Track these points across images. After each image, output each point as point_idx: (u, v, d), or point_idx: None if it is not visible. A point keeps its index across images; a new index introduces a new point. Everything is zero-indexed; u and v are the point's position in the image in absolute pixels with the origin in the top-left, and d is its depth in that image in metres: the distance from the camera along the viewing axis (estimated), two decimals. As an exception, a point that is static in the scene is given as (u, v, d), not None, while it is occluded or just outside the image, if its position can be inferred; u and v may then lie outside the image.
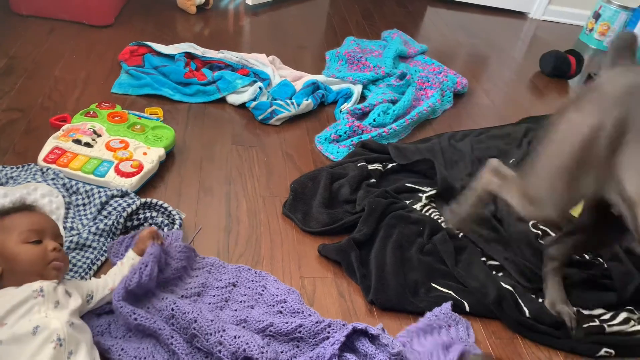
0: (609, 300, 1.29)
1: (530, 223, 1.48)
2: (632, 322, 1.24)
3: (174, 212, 1.28)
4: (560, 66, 2.53)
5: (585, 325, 1.21)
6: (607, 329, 1.21)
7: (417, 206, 1.49)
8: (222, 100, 1.87)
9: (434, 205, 1.52)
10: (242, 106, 1.85)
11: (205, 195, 1.44)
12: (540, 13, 3.36)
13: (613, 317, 1.24)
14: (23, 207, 1.01)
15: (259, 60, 2.08)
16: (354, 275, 1.26)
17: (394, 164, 1.64)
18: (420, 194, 1.54)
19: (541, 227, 1.48)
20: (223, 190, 1.47)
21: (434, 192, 1.54)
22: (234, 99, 1.86)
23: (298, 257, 1.30)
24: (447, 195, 1.53)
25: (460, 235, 1.41)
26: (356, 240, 1.31)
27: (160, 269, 1.08)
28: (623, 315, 1.24)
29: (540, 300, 1.25)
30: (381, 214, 1.39)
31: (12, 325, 0.85)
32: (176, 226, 1.26)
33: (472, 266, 1.32)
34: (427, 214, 1.47)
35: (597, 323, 1.22)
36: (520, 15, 3.37)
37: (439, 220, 1.44)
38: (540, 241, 1.42)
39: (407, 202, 1.51)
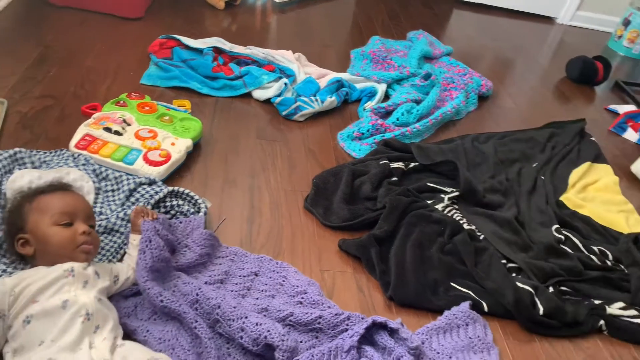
0: (622, 298, 1.30)
1: (554, 227, 1.47)
2: (634, 312, 1.26)
3: (199, 201, 1.31)
4: (587, 72, 2.50)
5: (586, 303, 1.26)
6: (608, 310, 1.25)
7: (439, 206, 1.49)
8: (248, 95, 1.90)
9: (456, 206, 1.52)
10: (267, 101, 1.88)
11: (229, 186, 1.47)
12: (568, 18, 3.32)
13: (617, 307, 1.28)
14: (60, 187, 1.05)
15: (285, 57, 2.10)
16: (373, 271, 1.27)
17: (417, 164, 1.64)
18: (442, 195, 1.54)
19: (564, 232, 1.47)
20: (247, 183, 1.50)
21: (456, 193, 1.54)
22: (259, 94, 1.89)
23: (318, 250, 1.32)
24: (470, 197, 1.54)
25: (481, 237, 1.42)
26: (376, 236, 1.32)
27: (169, 243, 1.11)
28: (631, 311, 1.26)
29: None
30: (402, 212, 1.40)
31: (43, 303, 0.88)
32: (200, 214, 1.29)
33: (491, 268, 1.31)
34: (448, 214, 1.47)
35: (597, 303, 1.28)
36: (547, 20, 3.33)
37: (461, 221, 1.44)
38: (563, 246, 1.42)
39: (429, 201, 1.51)
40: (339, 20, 2.74)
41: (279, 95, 1.86)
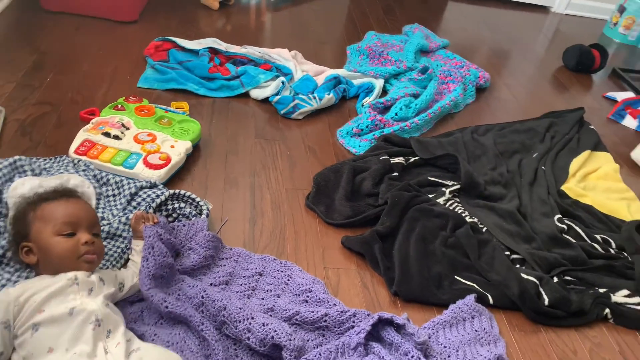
0: (626, 286, 1.30)
1: (556, 217, 1.47)
2: (639, 299, 1.26)
3: (201, 203, 1.31)
4: (584, 61, 2.50)
5: (590, 292, 1.27)
6: (613, 298, 1.26)
7: (441, 200, 1.49)
8: (246, 95, 1.90)
9: (457, 199, 1.52)
10: (265, 100, 1.87)
11: (230, 187, 1.47)
12: (564, 7, 3.31)
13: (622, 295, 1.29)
14: (64, 193, 1.04)
15: (281, 55, 2.10)
16: (377, 267, 1.27)
17: (417, 158, 1.64)
18: (444, 188, 1.54)
19: (566, 221, 1.47)
20: (247, 183, 1.50)
21: (457, 186, 1.54)
22: (257, 93, 1.89)
23: (322, 248, 1.32)
24: (471, 189, 1.54)
25: (484, 229, 1.42)
26: (379, 232, 1.32)
27: (173, 246, 1.11)
28: (636, 299, 1.27)
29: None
30: (404, 207, 1.40)
31: (49, 311, 0.87)
32: (203, 216, 1.29)
33: (495, 260, 1.32)
34: (450, 207, 1.47)
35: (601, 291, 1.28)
36: (542, 9, 3.33)
37: (463, 214, 1.44)
38: (566, 236, 1.42)
39: (430, 195, 1.51)
40: (333, 17, 2.73)
41: (276, 94, 1.86)
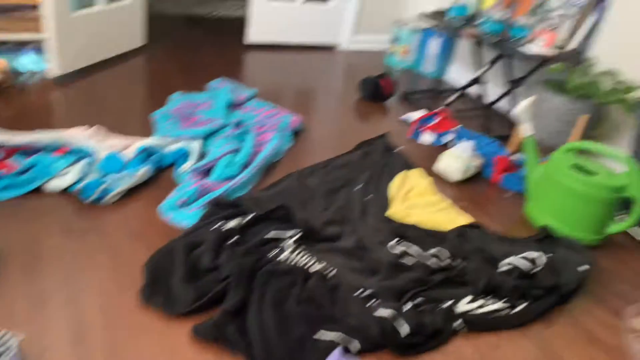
0: (467, 293, 1.40)
1: (391, 244, 1.55)
2: (481, 302, 1.37)
3: (5, 338, 1.06)
4: (376, 90, 2.76)
5: (438, 309, 1.34)
6: (460, 308, 1.35)
7: (286, 254, 1.45)
8: (42, 189, 1.64)
9: (302, 248, 1.50)
10: (67, 190, 1.64)
11: (41, 305, 1.22)
12: (348, 44, 3.65)
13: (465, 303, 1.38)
14: None
15: (79, 135, 1.88)
16: (237, 348, 1.17)
17: (252, 216, 1.59)
18: (286, 241, 1.51)
19: (400, 246, 1.55)
20: (63, 294, 1.26)
21: (298, 235, 1.52)
22: (55, 184, 1.64)
23: (169, 348, 1.17)
24: (311, 235, 1.53)
25: (333, 273, 1.41)
26: (230, 310, 1.22)
27: None
28: (478, 302, 1.38)
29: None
30: (250, 274, 1.33)
31: None
32: (12, 354, 1.04)
33: (348, 303, 1.32)
34: (296, 260, 1.44)
35: (447, 306, 1.36)
36: (329, 49, 3.61)
37: (312, 261, 1.42)
38: (402, 261, 1.49)
39: (275, 252, 1.46)
40: (132, 83, 2.57)
41: (80, 180, 1.64)
